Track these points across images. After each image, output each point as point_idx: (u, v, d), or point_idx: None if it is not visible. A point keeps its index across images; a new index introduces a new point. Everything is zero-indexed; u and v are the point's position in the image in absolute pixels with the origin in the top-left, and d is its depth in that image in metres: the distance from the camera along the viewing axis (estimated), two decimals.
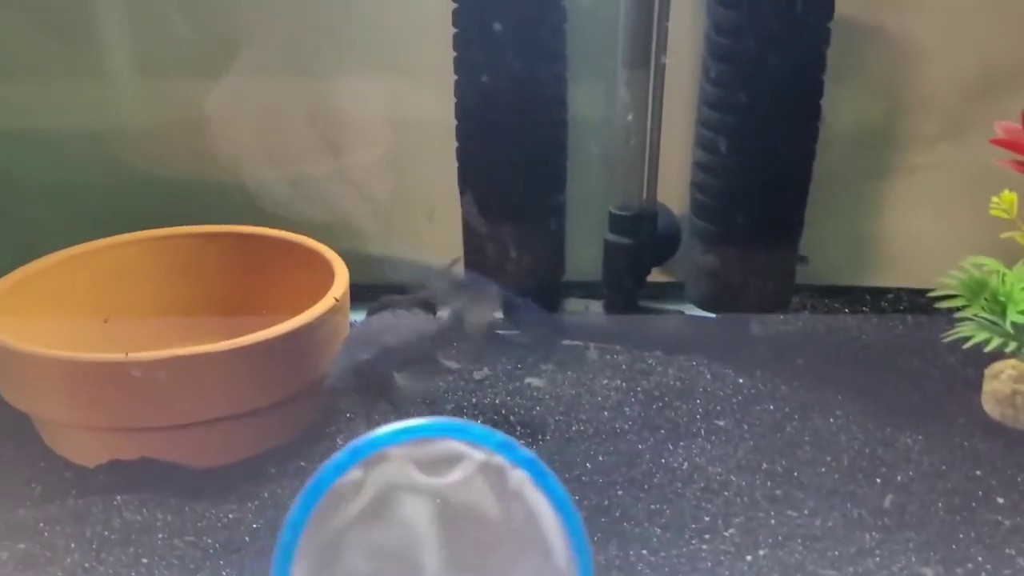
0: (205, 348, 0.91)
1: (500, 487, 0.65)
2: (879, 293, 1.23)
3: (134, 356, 0.89)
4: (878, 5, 1.09)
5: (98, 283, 1.07)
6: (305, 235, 1.10)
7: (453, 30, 1.05)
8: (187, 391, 0.89)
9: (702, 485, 0.90)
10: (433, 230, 1.26)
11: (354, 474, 0.65)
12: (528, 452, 0.65)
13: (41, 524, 0.85)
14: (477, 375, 1.09)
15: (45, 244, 1.15)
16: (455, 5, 1.04)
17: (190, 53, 1.17)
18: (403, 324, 0.93)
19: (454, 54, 1.06)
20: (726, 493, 0.89)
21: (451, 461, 0.65)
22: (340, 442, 0.99)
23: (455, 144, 1.11)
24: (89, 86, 1.20)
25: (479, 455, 0.65)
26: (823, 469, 0.93)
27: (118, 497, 0.88)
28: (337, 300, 0.98)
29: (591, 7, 1.09)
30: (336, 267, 1.03)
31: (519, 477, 0.64)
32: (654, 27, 1.03)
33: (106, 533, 0.84)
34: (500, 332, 1.21)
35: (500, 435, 0.65)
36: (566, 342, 1.18)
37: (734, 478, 0.91)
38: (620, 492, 0.89)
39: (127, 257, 1.09)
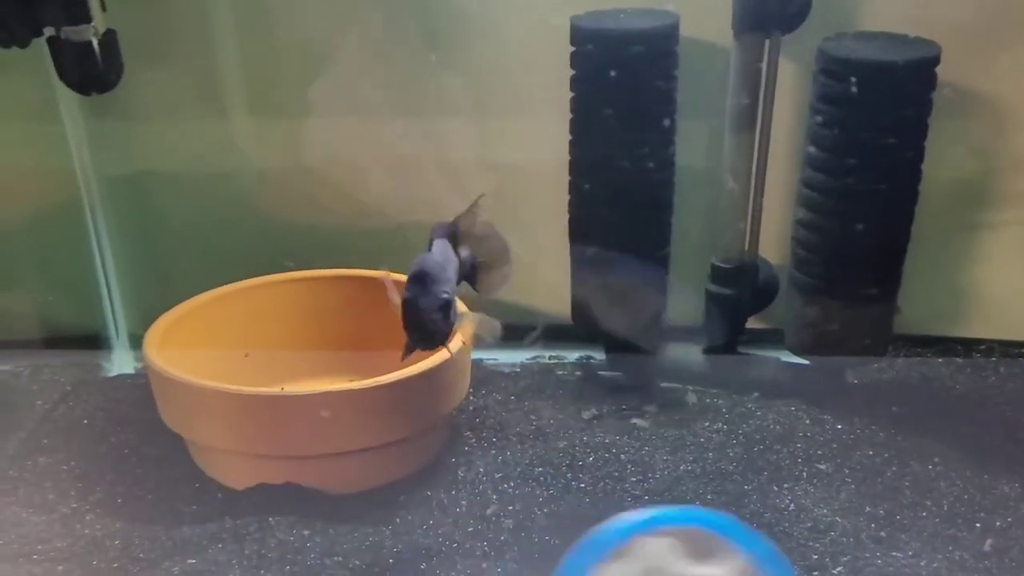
0: (351, 385, 1.01)
1: None
2: (972, 344, 1.27)
3: (289, 391, 1.00)
4: (976, 68, 1.15)
5: (241, 320, 1.18)
6: None
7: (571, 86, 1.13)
8: (332, 423, 0.98)
9: (808, 525, 0.96)
10: (540, 275, 1.34)
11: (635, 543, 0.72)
12: (790, 566, 0.70)
13: (204, 542, 0.94)
14: (585, 415, 1.16)
15: (180, 280, 1.29)
16: (573, 49, 1.12)
17: (306, 94, 1.24)
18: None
19: (571, 99, 1.14)
20: (832, 533, 0.94)
21: (718, 554, 0.70)
22: (461, 473, 1.07)
23: (567, 197, 1.20)
24: (215, 127, 1.28)
25: (744, 557, 0.70)
26: (924, 513, 0.98)
27: (270, 518, 0.97)
28: (465, 343, 1.06)
29: (700, 68, 1.16)
30: (461, 310, 1.12)
31: None
32: (761, 92, 1.11)
33: (263, 552, 0.93)
34: (601, 373, 1.29)
35: (767, 542, 0.70)
36: (666, 385, 1.25)
37: (839, 519, 0.96)
38: None
39: (266, 297, 1.19)
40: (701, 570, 0.69)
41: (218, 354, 1.16)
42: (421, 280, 0.82)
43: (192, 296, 1.16)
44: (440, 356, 1.02)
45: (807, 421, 1.13)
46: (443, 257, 0.87)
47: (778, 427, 1.13)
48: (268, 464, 1.01)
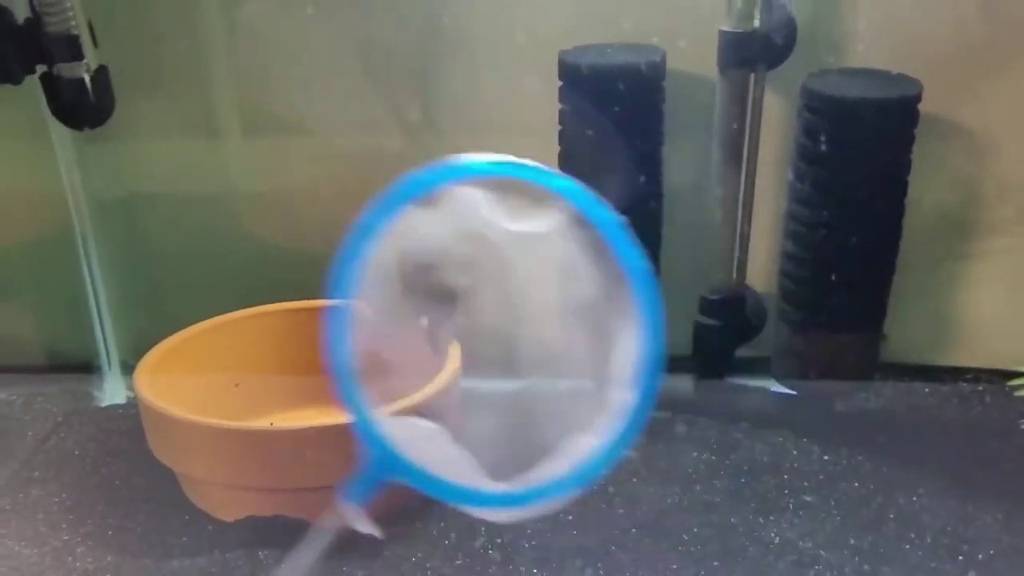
0: (339, 420, 1.01)
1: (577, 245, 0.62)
2: (958, 372, 1.28)
3: (278, 426, 1.01)
4: (957, 101, 1.16)
5: (232, 350, 1.18)
6: None
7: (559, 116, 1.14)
8: (323, 457, 0.99)
9: (793, 559, 0.96)
10: None
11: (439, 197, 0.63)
12: (613, 214, 0.63)
13: (196, 575, 0.95)
14: None
15: (172, 307, 1.30)
16: (560, 83, 1.13)
17: (299, 117, 1.26)
18: None
19: (559, 132, 1.15)
20: (817, 567, 0.95)
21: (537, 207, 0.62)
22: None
23: None
24: (208, 150, 1.29)
25: (567, 207, 0.63)
26: (907, 546, 0.98)
27: (259, 552, 0.97)
28: (454, 374, 1.07)
29: (687, 102, 1.17)
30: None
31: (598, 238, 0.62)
32: (747, 126, 1.12)
33: None
34: None
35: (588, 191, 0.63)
36: (656, 414, 1.25)
37: (823, 552, 0.97)
38: (716, 563, 0.96)
39: (259, 327, 1.20)
40: (520, 226, 0.62)
41: (208, 384, 1.17)
42: None
43: (183, 323, 1.16)
44: (431, 389, 1.04)
45: (794, 451, 1.14)
46: None
47: (765, 457, 1.13)
48: (258, 497, 1.02)
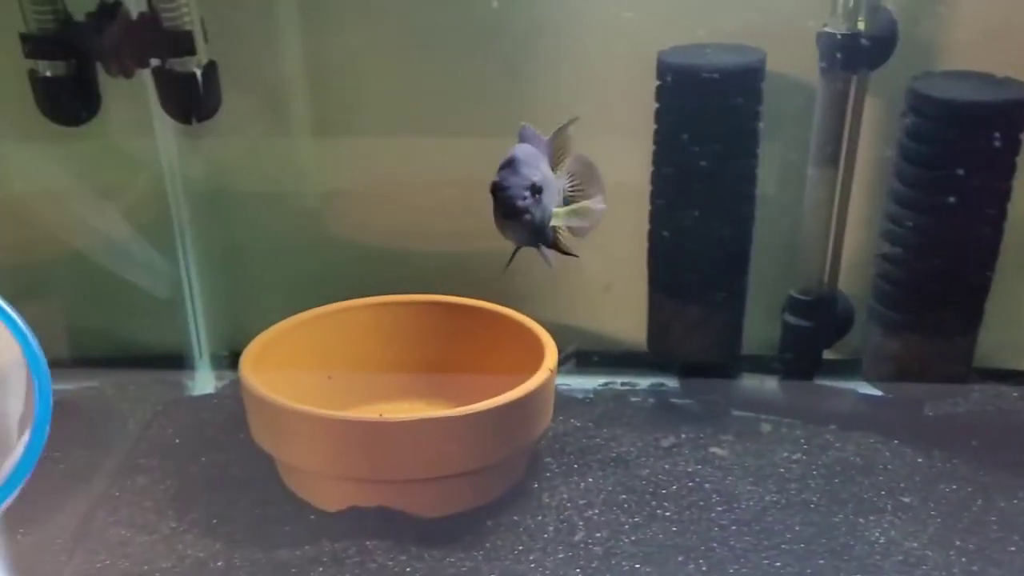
0: (445, 412, 1.03)
1: None
2: None
3: (387, 417, 1.02)
4: None
5: (326, 343, 1.20)
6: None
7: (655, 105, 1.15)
8: (426, 449, 1.01)
9: (900, 558, 0.97)
10: (609, 300, 1.36)
11: None
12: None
13: (305, 565, 0.95)
14: (665, 443, 1.18)
15: (260, 300, 1.32)
16: (658, 83, 1.14)
17: (393, 115, 1.27)
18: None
19: (654, 130, 1.16)
20: (924, 567, 0.95)
21: None
22: (546, 499, 1.08)
23: (646, 225, 1.22)
24: (303, 146, 1.30)
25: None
26: (1013, 548, 0.99)
27: (367, 542, 0.98)
28: (552, 371, 1.08)
29: (785, 103, 1.17)
30: (544, 340, 1.14)
31: None
32: (846, 127, 1.13)
33: None
34: (674, 401, 1.31)
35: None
36: (739, 413, 1.26)
37: (930, 553, 0.97)
38: (822, 562, 0.97)
39: (352, 320, 1.22)
40: None
41: (303, 376, 1.18)
42: (511, 164, 0.84)
43: (269, 317, 1.18)
44: (527, 386, 1.05)
45: (887, 453, 1.14)
46: (533, 150, 0.87)
47: (858, 459, 1.14)
48: (362, 488, 1.03)
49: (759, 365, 1.30)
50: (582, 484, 1.11)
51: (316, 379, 1.21)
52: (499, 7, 1.21)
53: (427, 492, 1.04)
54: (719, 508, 1.06)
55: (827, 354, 1.27)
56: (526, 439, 1.08)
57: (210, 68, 1.09)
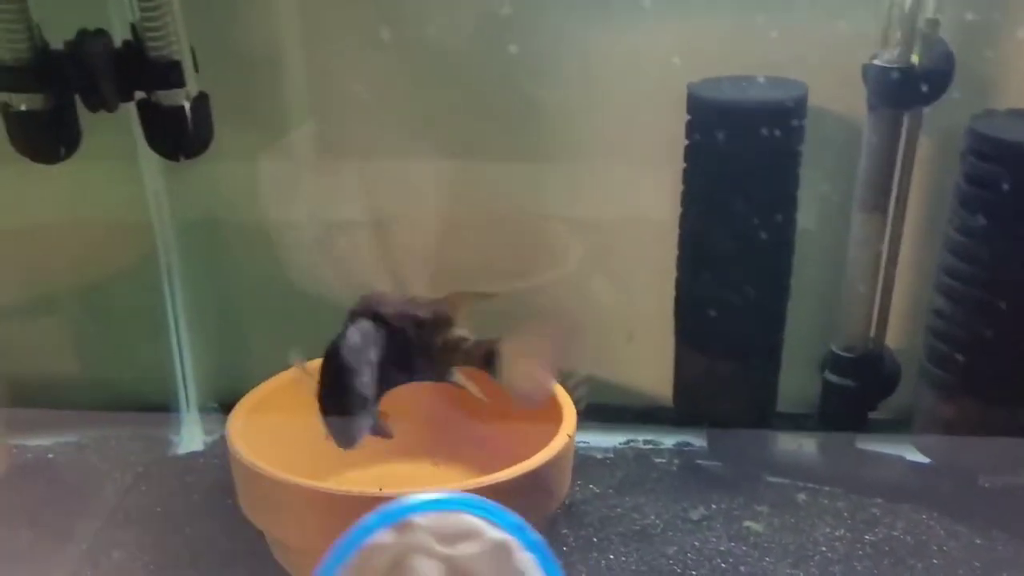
0: (453, 487, 0.92)
1: (507, 566, 0.71)
2: None
3: (387, 492, 0.92)
4: None
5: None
6: None
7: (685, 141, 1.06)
8: None
9: None
10: (633, 350, 1.26)
11: (382, 536, 0.72)
12: (537, 537, 0.72)
13: None
14: (694, 515, 1.07)
15: (252, 348, 1.23)
16: (688, 117, 1.05)
17: (398, 143, 1.18)
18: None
19: (683, 169, 1.07)
20: None
21: (469, 535, 0.72)
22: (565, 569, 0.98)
23: (674, 272, 1.12)
24: (302, 176, 1.22)
25: (495, 533, 0.72)
26: None
27: None
28: (570, 436, 0.98)
29: (828, 140, 1.08)
30: (562, 400, 1.03)
31: (526, 560, 0.71)
32: (896, 169, 1.03)
33: None
34: (701, 463, 1.20)
35: (514, 517, 0.73)
36: (774, 479, 1.15)
37: None
38: None
39: None
40: (454, 550, 0.71)
41: (299, 435, 1.08)
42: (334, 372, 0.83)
43: (265, 364, 1.07)
44: (543, 456, 0.95)
45: (941, 532, 1.03)
46: (363, 339, 0.84)
47: (908, 537, 1.03)
48: None
49: (796, 424, 1.19)
50: (603, 561, 1.00)
51: (313, 439, 1.11)
52: (519, 33, 1.12)
53: None
54: None
55: (872, 414, 1.17)
56: (540, 513, 0.97)
57: (201, 100, 0.99)
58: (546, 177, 1.20)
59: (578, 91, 1.14)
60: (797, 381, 1.17)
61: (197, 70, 1.00)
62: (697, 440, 1.22)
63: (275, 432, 1.06)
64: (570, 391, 1.04)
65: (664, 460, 1.19)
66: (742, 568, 0.98)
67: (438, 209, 1.22)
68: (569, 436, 0.98)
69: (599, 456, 1.19)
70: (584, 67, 1.13)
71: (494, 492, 0.91)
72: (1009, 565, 0.98)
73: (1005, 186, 0.94)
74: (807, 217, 1.10)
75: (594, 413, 1.28)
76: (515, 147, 1.19)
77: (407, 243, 1.25)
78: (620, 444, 1.22)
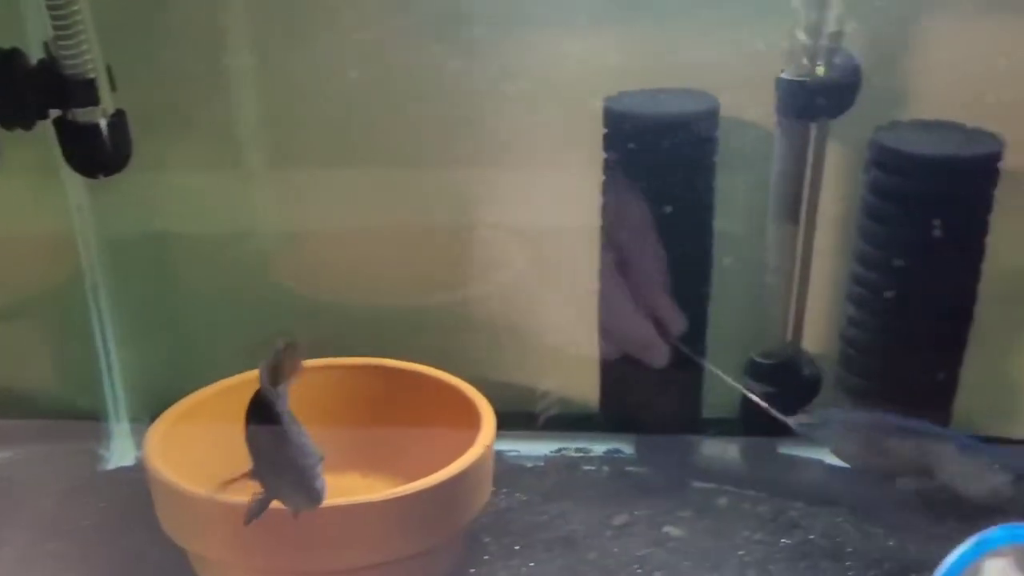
0: (363, 498, 0.93)
1: None
2: None
3: None
4: None
5: None
6: (432, 363, 1.12)
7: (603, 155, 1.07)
8: (344, 538, 0.91)
9: None
10: (563, 359, 1.27)
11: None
12: None
13: None
14: (617, 521, 1.09)
15: (188, 360, 1.23)
16: (605, 131, 1.06)
17: (335, 153, 1.18)
18: None
19: (602, 182, 1.08)
20: None
21: None
22: None
23: (597, 285, 1.13)
24: (233, 188, 1.21)
25: None
26: None
27: None
28: (487, 447, 0.99)
29: (742, 152, 1.09)
30: (482, 411, 1.05)
31: None
32: (806, 180, 1.05)
33: None
34: (630, 469, 1.22)
35: None
36: (700, 485, 1.17)
37: None
38: None
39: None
40: None
41: (228, 451, 1.09)
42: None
43: (201, 377, 1.09)
44: (457, 466, 0.95)
45: (856, 535, 1.05)
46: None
47: (824, 540, 1.04)
48: None
49: (722, 430, 1.21)
50: (523, 569, 1.02)
51: (241, 454, 1.12)
52: (442, 47, 1.14)
53: None
54: None
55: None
56: (456, 524, 0.98)
57: (117, 117, 1.00)
58: (476, 187, 1.22)
59: (504, 102, 1.15)
60: (723, 387, 1.19)
61: (114, 88, 1.00)
62: (628, 447, 1.24)
63: (201, 445, 1.07)
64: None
65: (593, 467, 1.20)
66: (658, 573, 0.99)
67: (366, 220, 1.23)
68: (486, 447, 0.99)
69: (529, 465, 1.20)
70: (509, 79, 1.14)
71: (404, 506, 0.93)
72: (918, 566, 1.00)
73: (906, 197, 0.96)
74: (725, 226, 1.11)
75: (526, 422, 1.31)
76: (445, 157, 1.20)
77: (337, 254, 1.27)
78: (551, 452, 1.23)
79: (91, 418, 1.24)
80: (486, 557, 1.03)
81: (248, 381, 1.10)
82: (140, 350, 1.25)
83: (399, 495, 0.91)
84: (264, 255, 1.24)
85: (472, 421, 1.03)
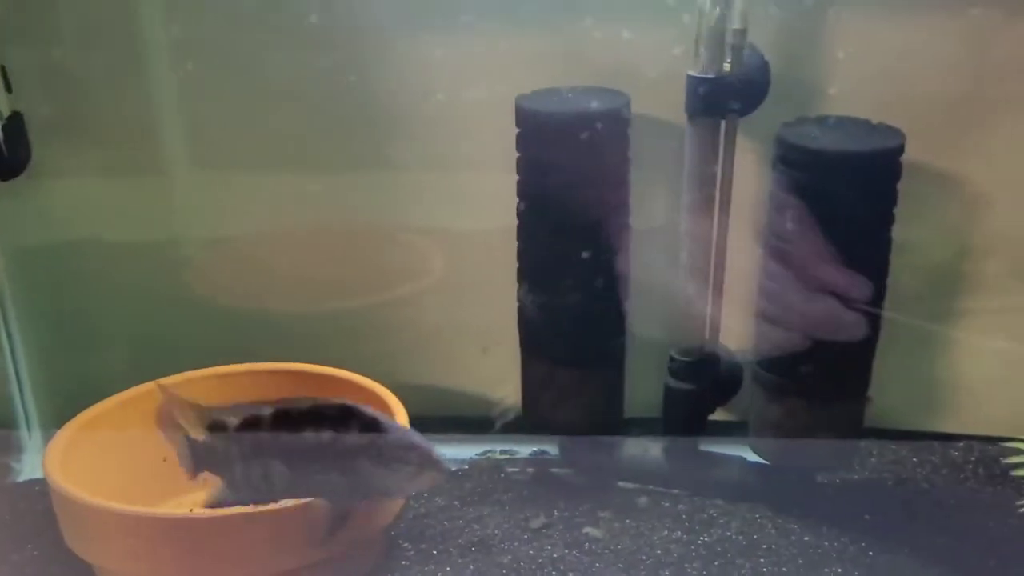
0: (267, 507, 0.92)
1: None
2: (950, 440, 1.19)
3: (198, 512, 0.91)
4: (943, 151, 1.08)
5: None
6: (354, 367, 1.10)
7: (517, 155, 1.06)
8: (249, 546, 0.89)
9: None
10: (488, 363, 1.26)
11: None
12: None
13: None
14: (534, 523, 1.07)
15: (102, 370, 1.20)
16: (518, 130, 1.05)
17: (246, 157, 1.17)
18: None
19: (517, 182, 1.07)
20: None
21: None
22: None
23: (515, 285, 1.12)
24: (142, 194, 1.18)
25: None
26: None
27: None
28: None
29: (656, 149, 1.09)
30: (395, 412, 1.03)
31: None
32: (718, 176, 1.04)
33: None
34: (554, 471, 1.21)
35: None
36: (623, 485, 1.16)
37: None
38: None
39: (193, 394, 1.08)
40: None
41: (133, 462, 1.07)
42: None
43: (114, 388, 1.07)
44: None
45: (772, 531, 1.05)
46: None
47: (741, 537, 1.04)
48: None
49: (646, 429, 1.20)
50: (438, 574, 1.00)
51: (150, 463, 1.09)
52: (355, 47, 1.12)
53: None
54: None
55: (719, 416, 1.18)
56: (365, 530, 0.96)
57: (14, 121, 0.98)
58: (397, 190, 1.20)
59: (421, 104, 1.14)
60: (646, 386, 1.18)
61: (10, 90, 0.98)
62: (554, 448, 1.23)
63: (103, 456, 1.05)
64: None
65: (517, 469, 1.19)
66: (571, 574, 0.99)
67: (282, 225, 1.21)
68: None
69: (452, 468, 1.19)
70: (426, 81, 1.13)
71: (307, 513, 0.89)
72: (833, 561, 1.00)
73: (812, 193, 0.96)
74: (642, 224, 1.11)
75: (454, 425, 1.29)
76: (363, 161, 1.18)
77: (255, 260, 1.25)
78: (476, 455, 1.22)
79: (1, 429, 1.21)
80: (403, 563, 1.01)
81: (148, 392, 1.08)
82: (51, 361, 1.22)
83: (298, 504, 0.89)
84: (179, 262, 1.22)
85: None
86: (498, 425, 1.23)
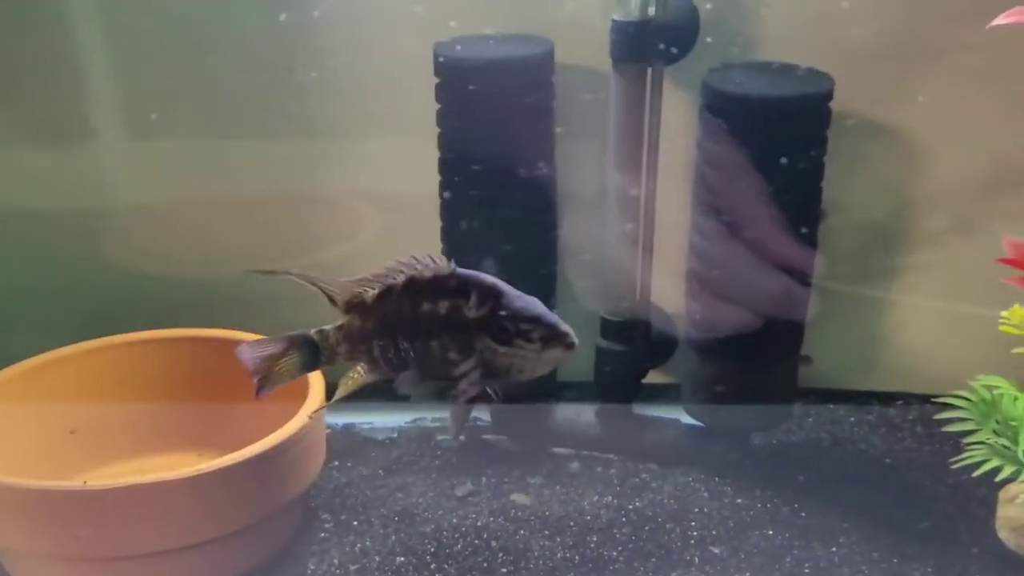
0: (169, 475, 0.86)
1: None
2: (886, 399, 1.17)
3: (92, 484, 0.86)
4: (877, 98, 1.05)
5: (64, 392, 1.03)
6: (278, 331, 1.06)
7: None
8: (153, 518, 0.85)
9: None
10: None
11: None
12: None
13: None
14: (460, 492, 1.04)
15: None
16: (437, 80, 1.00)
17: (162, 121, 1.11)
18: None
19: (438, 135, 1.03)
20: None
21: None
22: (312, 566, 0.93)
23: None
24: (51, 158, 1.13)
25: None
26: None
27: None
28: (311, 417, 0.93)
29: (581, 98, 1.05)
30: (311, 380, 0.99)
31: None
32: (645, 127, 1.00)
33: None
34: (486, 437, 1.17)
35: None
36: (556, 450, 1.13)
37: None
38: None
39: (94, 365, 1.05)
40: None
41: (38, 433, 1.01)
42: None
43: (18, 359, 1.02)
44: (276, 437, 0.89)
45: (704, 494, 1.02)
46: None
47: (672, 502, 1.01)
48: (79, 568, 0.87)
49: (580, 394, 1.17)
50: (358, 545, 0.96)
51: (55, 435, 1.04)
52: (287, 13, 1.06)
53: (166, 566, 0.88)
54: (503, 570, 0.92)
55: (653, 377, 1.15)
56: (282, 496, 0.92)
57: None
58: (320, 152, 1.15)
59: (336, 63, 1.09)
60: (580, 349, 1.15)
61: None
62: (486, 416, 1.19)
63: (11, 426, 0.99)
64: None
65: (448, 437, 1.16)
66: (494, 543, 0.95)
67: (201, 192, 1.16)
68: (309, 417, 0.93)
69: (380, 437, 1.14)
70: (345, 39, 1.08)
71: (208, 483, 0.85)
72: (765, 521, 0.97)
73: (739, 140, 0.92)
74: (568, 178, 1.07)
75: (384, 392, 1.25)
76: (284, 123, 1.13)
77: (173, 227, 1.19)
78: (406, 423, 1.18)
79: None
80: (322, 535, 0.97)
81: (60, 359, 1.04)
82: None
83: (203, 471, 0.85)
84: (98, 230, 1.16)
85: (300, 392, 0.98)
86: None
